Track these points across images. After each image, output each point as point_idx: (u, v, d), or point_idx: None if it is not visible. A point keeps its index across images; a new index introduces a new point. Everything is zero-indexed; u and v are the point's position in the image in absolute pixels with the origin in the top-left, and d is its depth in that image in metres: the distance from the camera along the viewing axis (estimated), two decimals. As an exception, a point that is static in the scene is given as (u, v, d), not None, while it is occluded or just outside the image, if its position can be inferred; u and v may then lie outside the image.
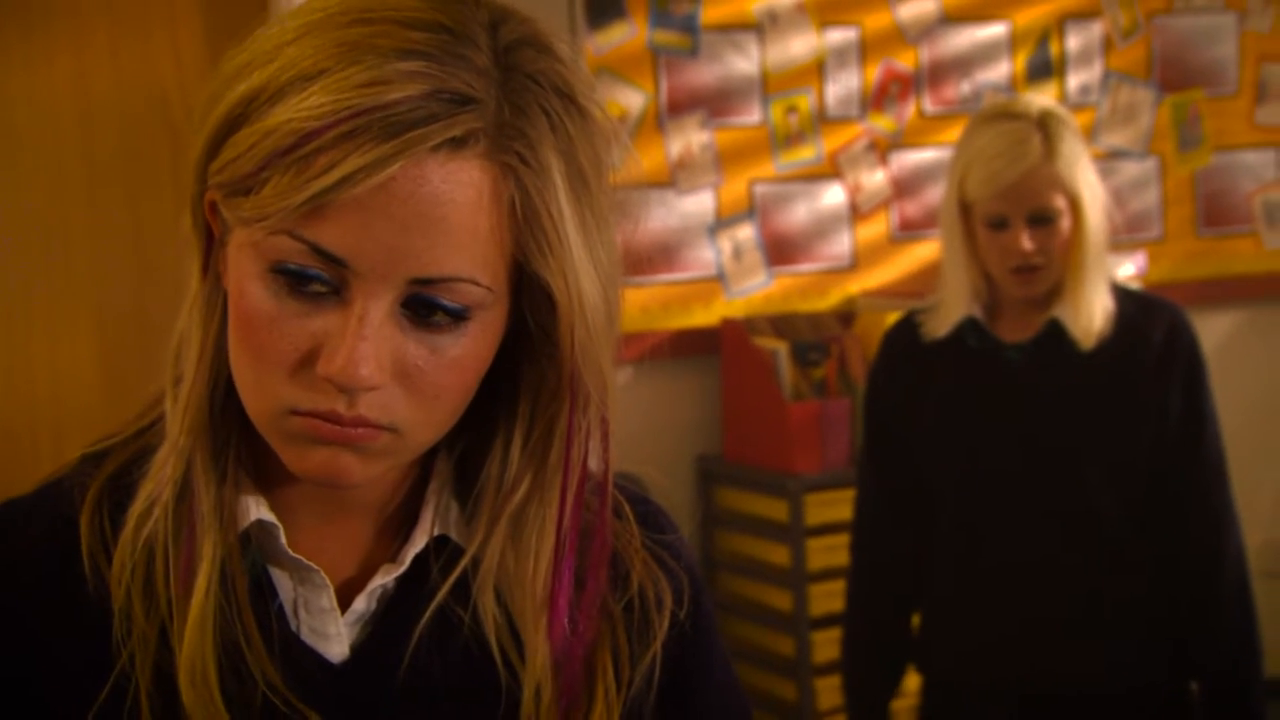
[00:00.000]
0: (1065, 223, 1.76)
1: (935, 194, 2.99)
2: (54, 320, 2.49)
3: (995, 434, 1.82)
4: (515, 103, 0.64)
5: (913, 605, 1.91)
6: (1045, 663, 1.79)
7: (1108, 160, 3.33)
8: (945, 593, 1.86)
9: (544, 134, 0.65)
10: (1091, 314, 1.76)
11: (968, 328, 1.84)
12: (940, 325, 1.86)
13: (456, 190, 0.63)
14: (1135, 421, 1.77)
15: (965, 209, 1.81)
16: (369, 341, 0.63)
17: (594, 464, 0.73)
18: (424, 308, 0.65)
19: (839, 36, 3.11)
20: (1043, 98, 1.83)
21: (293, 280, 0.64)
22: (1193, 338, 1.81)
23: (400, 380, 0.66)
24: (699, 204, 3.02)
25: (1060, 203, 1.76)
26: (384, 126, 0.61)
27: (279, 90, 0.63)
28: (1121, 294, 1.83)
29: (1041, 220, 1.76)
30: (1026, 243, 1.75)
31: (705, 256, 3.03)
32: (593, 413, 0.71)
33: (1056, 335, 1.79)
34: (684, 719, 0.80)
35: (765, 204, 3.07)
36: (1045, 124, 1.77)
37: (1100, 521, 1.78)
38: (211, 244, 0.70)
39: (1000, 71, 3.25)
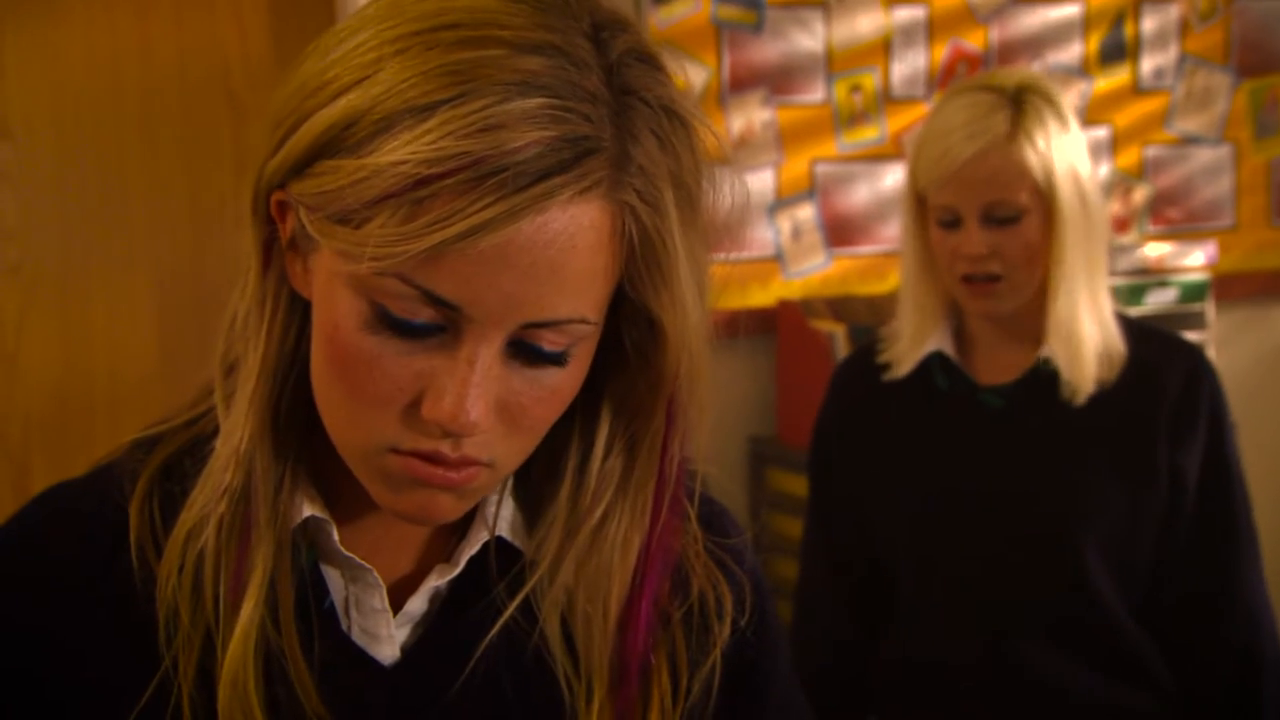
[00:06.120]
0: (1032, 224, 1.38)
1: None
2: (111, 289, 2.50)
3: (967, 500, 1.44)
4: (630, 130, 0.62)
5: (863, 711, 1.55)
6: None
7: (1180, 146, 3.26)
8: (899, 703, 1.50)
9: (657, 161, 0.63)
10: (1085, 352, 1.39)
11: (935, 365, 1.48)
12: (902, 361, 1.49)
13: (578, 235, 0.61)
14: (1143, 489, 1.40)
15: (921, 204, 1.45)
16: (480, 386, 0.62)
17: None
18: (529, 351, 0.63)
19: (906, 15, 3.05)
20: (1031, 71, 1.44)
21: (398, 324, 0.62)
22: (1217, 388, 1.44)
23: (501, 418, 0.64)
24: (759, 183, 2.99)
25: (1025, 198, 1.38)
26: (511, 178, 0.58)
27: (384, 119, 0.59)
28: (1132, 329, 1.45)
29: (999, 219, 1.39)
30: (977, 244, 1.38)
31: (763, 236, 3.00)
32: (686, 432, 0.70)
33: (1047, 378, 1.42)
34: None
35: (826, 184, 3.03)
36: (1020, 98, 1.39)
37: (1099, 614, 1.41)
38: (273, 238, 0.67)
39: (1072, 53, 3.18)
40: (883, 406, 1.52)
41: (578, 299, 0.62)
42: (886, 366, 1.52)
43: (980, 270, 1.40)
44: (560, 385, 0.65)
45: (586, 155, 0.60)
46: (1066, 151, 1.40)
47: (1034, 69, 3.15)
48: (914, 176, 1.45)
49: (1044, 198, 1.39)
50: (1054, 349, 1.41)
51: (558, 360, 0.63)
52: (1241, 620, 1.42)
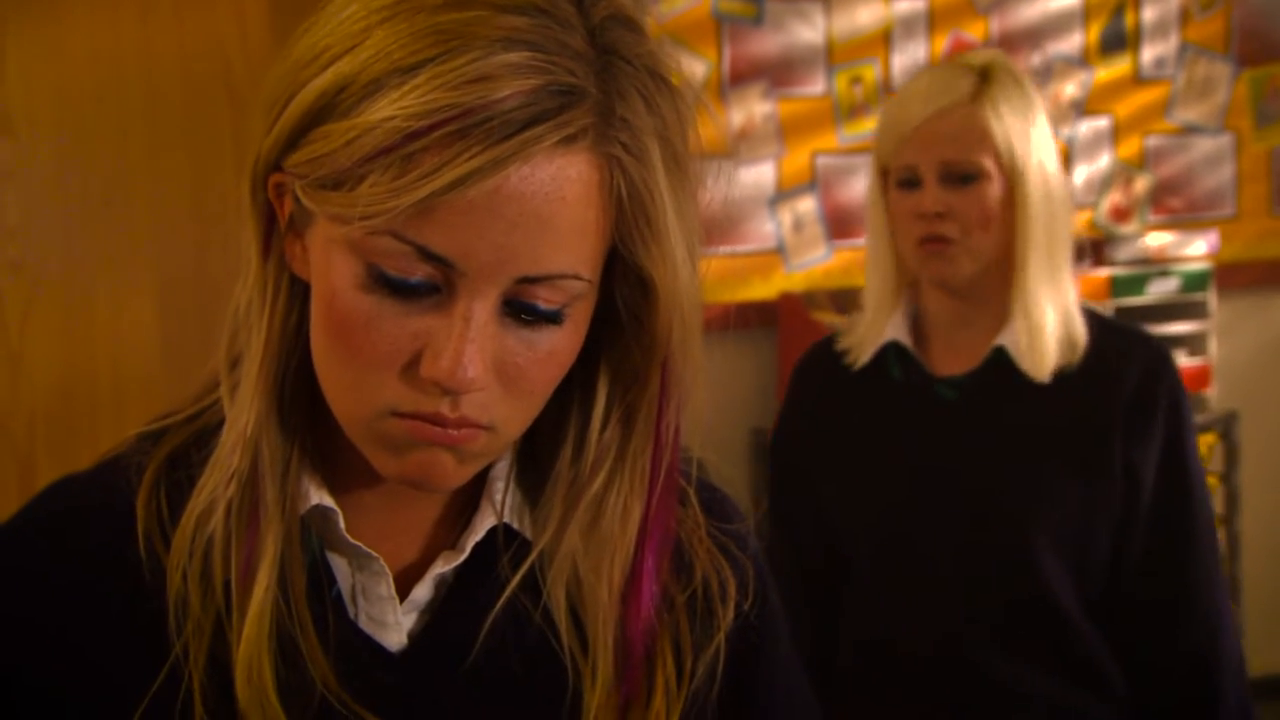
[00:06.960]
0: (993, 189, 1.36)
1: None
2: (115, 283, 2.51)
3: (920, 494, 1.41)
4: (616, 88, 0.63)
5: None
6: None
7: (1181, 136, 3.25)
8: (859, 695, 1.46)
9: (643, 119, 0.63)
10: (1045, 338, 1.36)
11: (891, 355, 1.45)
12: (860, 350, 1.46)
13: (565, 186, 0.61)
14: (1097, 484, 1.36)
15: (885, 177, 1.43)
16: (475, 343, 0.62)
17: None
18: (525, 310, 0.64)
19: (907, 6, 3.05)
20: (1002, 55, 1.41)
21: (393, 283, 0.62)
22: (1177, 385, 1.38)
23: (499, 378, 0.64)
24: (759, 175, 2.98)
25: (984, 161, 1.35)
26: (497, 126, 0.59)
27: (374, 81, 0.60)
28: (1093, 321, 1.42)
29: (957, 177, 1.36)
30: (933, 202, 1.35)
31: (765, 229, 3.00)
32: (681, 398, 0.70)
33: (1003, 368, 1.39)
34: (748, 714, 0.78)
35: (827, 176, 3.03)
36: (988, 72, 1.38)
37: (1052, 613, 1.37)
38: (272, 225, 0.68)
39: (1073, 43, 3.17)
40: (840, 398, 1.49)
41: (569, 253, 0.62)
42: (846, 357, 1.50)
43: (935, 231, 1.37)
44: (557, 347, 0.65)
45: (570, 105, 0.61)
46: (1032, 135, 1.38)
47: (1033, 61, 3.15)
48: (878, 148, 1.44)
49: (1005, 169, 1.37)
50: (1015, 330, 1.38)
51: (553, 318, 0.64)
52: (1198, 627, 1.37)
